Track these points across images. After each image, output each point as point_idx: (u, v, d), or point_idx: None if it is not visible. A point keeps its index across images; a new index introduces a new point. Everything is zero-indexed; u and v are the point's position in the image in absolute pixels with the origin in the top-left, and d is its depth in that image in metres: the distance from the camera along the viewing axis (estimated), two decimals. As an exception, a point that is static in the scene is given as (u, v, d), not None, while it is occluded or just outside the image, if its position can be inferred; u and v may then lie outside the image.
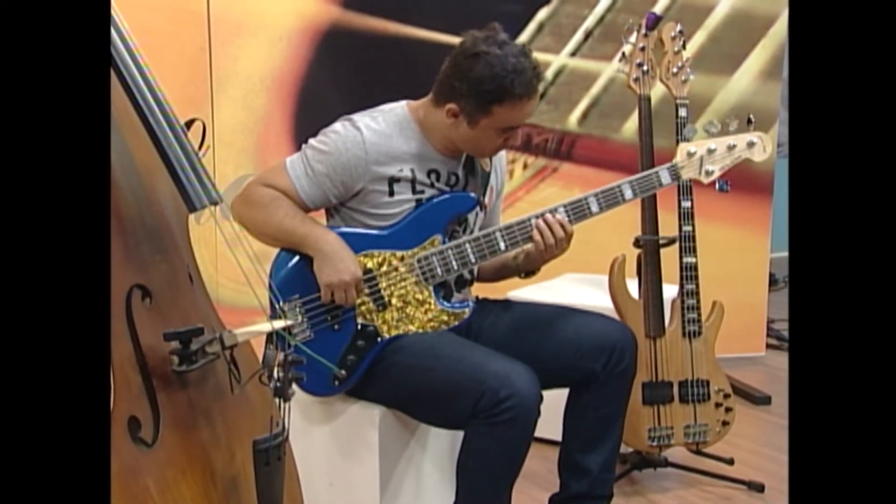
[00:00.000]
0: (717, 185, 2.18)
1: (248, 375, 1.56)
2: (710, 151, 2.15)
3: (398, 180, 2.01)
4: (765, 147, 2.17)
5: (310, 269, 1.98)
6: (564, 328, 2.08)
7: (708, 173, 2.16)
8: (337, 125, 2.03)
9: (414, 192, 2.03)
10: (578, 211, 2.04)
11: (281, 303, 1.94)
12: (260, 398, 1.58)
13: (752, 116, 2.19)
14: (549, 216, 2.02)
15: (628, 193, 2.08)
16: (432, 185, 2.05)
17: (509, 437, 1.85)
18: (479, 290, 2.23)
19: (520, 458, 1.90)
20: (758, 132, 2.18)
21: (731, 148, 2.16)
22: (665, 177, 2.12)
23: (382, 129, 2.01)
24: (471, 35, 1.96)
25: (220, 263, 2.54)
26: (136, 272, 1.43)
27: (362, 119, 2.02)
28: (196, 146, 1.56)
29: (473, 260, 2.04)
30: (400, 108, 2.07)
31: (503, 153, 2.24)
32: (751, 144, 2.16)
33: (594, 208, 2.05)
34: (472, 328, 2.12)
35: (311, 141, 2.03)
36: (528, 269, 2.16)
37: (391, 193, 2.01)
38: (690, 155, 2.15)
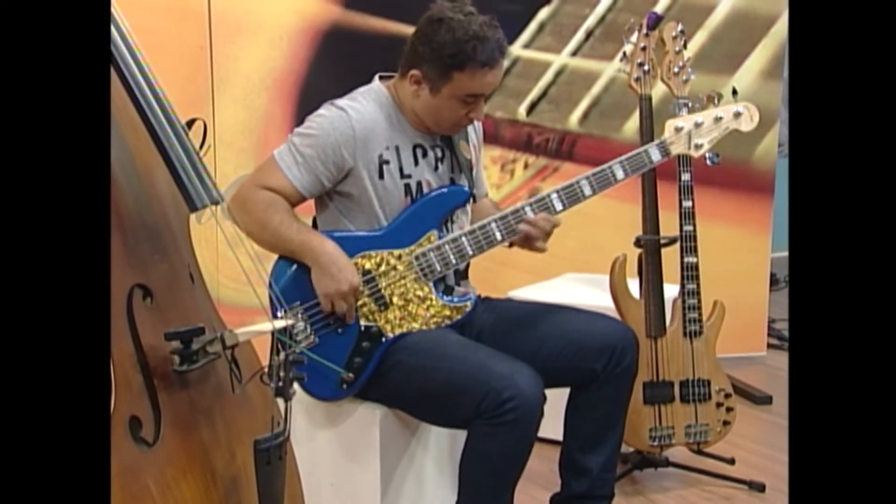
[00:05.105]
0: (707, 158, 2.18)
1: (249, 375, 1.56)
2: (698, 125, 2.15)
3: (387, 161, 2.01)
4: (751, 116, 2.17)
5: (309, 276, 1.98)
6: (566, 328, 2.08)
7: (697, 147, 2.16)
8: (321, 110, 2.04)
9: (402, 175, 2.03)
10: (571, 195, 2.05)
11: (282, 311, 1.93)
12: (261, 398, 1.58)
13: (736, 87, 2.20)
14: (531, 216, 2.03)
15: (620, 173, 2.08)
16: (416, 163, 2.05)
17: (512, 438, 1.85)
18: (481, 289, 2.23)
19: (522, 459, 1.90)
20: (744, 102, 2.17)
21: (717, 120, 2.16)
22: (655, 153, 2.12)
23: (365, 108, 2.02)
24: (438, 4, 1.97)
25: (220, 263, 2.54)
26: (136, 272, 1.43)
27: (344, 101, 2.03)
28: (197, 146, 1.56)
29: (471, 253, 2.04)
30: (376, 85, 2.09)
31: (479, 125, 2.21)
32: (737, 115, 2.16)
33: (587, 191, 2.05)
34: (474, 327, 2.12)
35: (297, 129, 2.03)
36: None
37: (381, 176, 2.01)
38: (678, 130, 2.15)
